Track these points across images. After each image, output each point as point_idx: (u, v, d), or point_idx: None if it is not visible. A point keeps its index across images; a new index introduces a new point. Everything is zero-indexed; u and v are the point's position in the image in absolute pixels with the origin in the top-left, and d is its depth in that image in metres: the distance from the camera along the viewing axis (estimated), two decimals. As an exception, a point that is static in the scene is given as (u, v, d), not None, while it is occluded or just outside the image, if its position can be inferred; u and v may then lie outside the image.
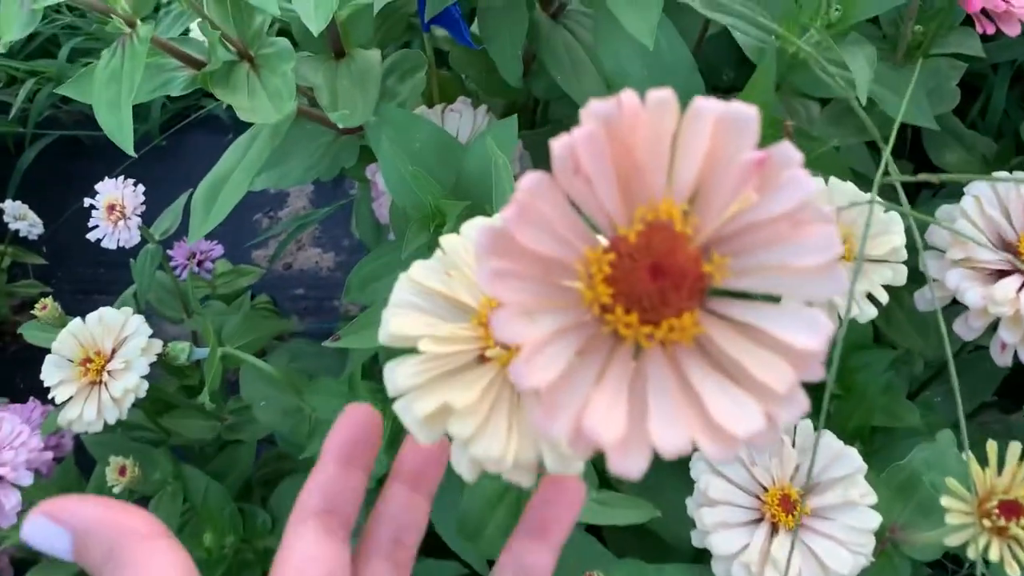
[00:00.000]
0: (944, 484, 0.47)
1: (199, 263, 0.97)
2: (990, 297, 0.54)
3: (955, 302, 0.59)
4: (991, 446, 0.42)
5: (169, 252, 0.93)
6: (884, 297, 0.51)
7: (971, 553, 0.42)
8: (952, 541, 0.42)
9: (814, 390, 0.62)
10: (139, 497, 0.77)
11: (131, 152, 0.54)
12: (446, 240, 0.31)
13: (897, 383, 0.61)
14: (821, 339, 0.20)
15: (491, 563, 0.64)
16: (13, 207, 1.04)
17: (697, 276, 0.21)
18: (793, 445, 0.52)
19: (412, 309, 0.31)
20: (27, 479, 0.61)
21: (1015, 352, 0.57)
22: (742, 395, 0.21)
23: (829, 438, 0.52)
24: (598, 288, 0.21)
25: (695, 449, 0.20)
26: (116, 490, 0.68)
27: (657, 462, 0.22)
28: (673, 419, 0.21)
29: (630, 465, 0.21)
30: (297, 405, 0.70)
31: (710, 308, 0.22)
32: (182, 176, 0.82)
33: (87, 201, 0.75)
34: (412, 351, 0.31)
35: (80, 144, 1.32)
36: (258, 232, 1.27)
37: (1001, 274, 0.56)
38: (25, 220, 1.05)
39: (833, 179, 0.53)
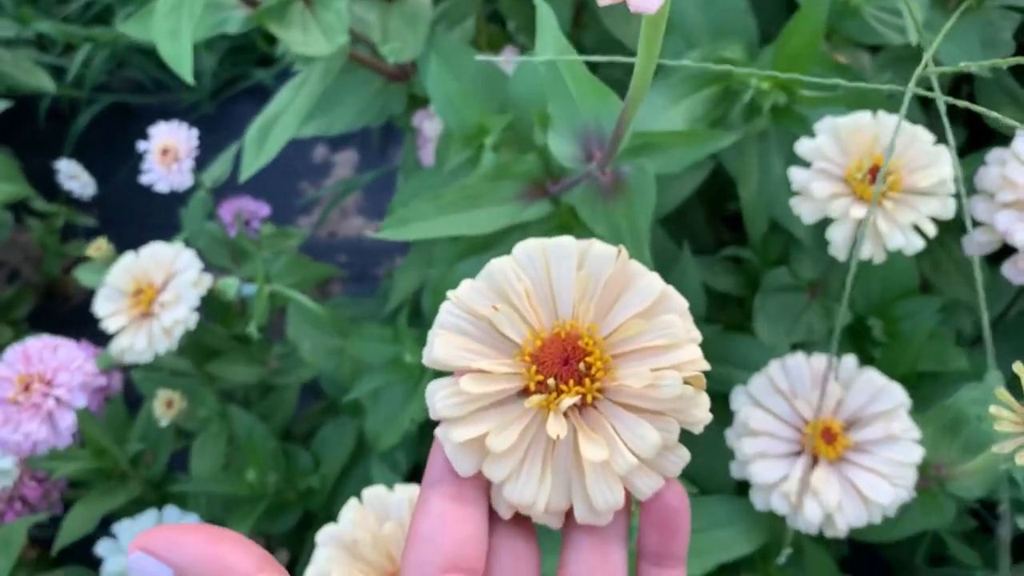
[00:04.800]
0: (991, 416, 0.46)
1: (246, 223, 0.98)
2: (1040, 238, 0.54)
3: (1004, 250, 0.58)
4: None
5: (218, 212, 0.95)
6: (931, 229, 0.50)
7: (1021, 460, 0.41)
8: (1002, 449, 0.42)
9: (859, 331, 0.61)
10: (185, 433, 0.79)
11: (189, 79, 0.55)
12: (495, 264, 0.31)
13: (944, 330, 0.61)
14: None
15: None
16: (67, 166, 1.07)
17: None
18: (836, 379, 0.52)
19: (457, 333, 0.31)
20: (81, 401, 0.62)
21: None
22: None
23: (872, 373, 0.51)
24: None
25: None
26: (163, 423, 0.70)
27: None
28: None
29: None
30: (341, 347, 0.71)
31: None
32: (231, 145, 0.83)
33: (141, 145, 0.77)
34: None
35: (131, 111, 1.35)
36: (304, 203, 1.29)
37: (1052, 218, 0.55)
38: (78, 180, 1.08)
39: (881, 112, 0.52)
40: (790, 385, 0.51)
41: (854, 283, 0.61)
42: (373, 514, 0.41)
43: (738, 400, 0.52)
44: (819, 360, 0.52)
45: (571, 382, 0.29)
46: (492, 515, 0.29)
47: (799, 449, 0.51)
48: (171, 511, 0.69)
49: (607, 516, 0.29)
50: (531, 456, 0.29)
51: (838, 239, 0.51)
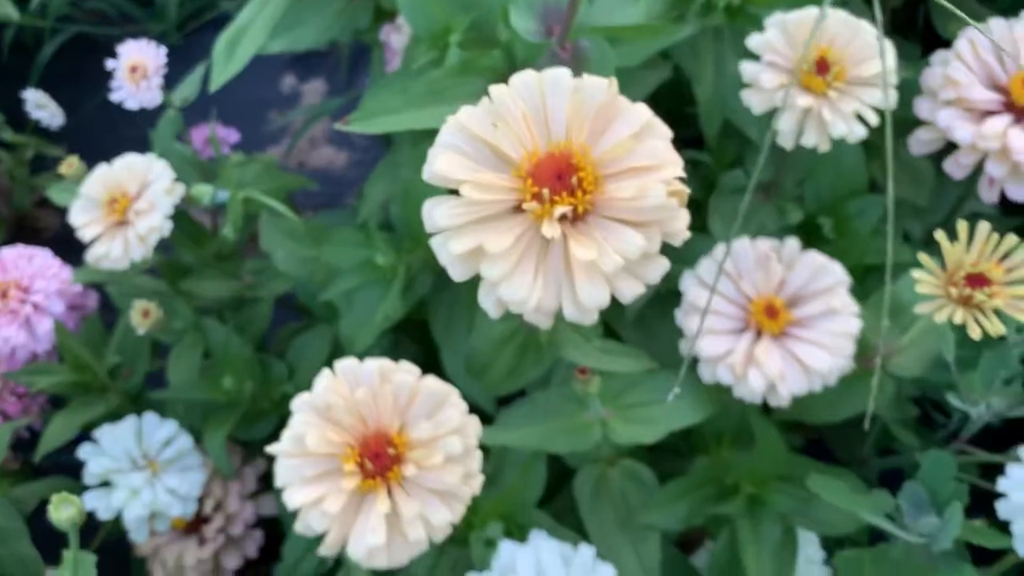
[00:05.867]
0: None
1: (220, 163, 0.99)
2: (979, 133, 0.57)
3: (947, 148, 0.61)
4: (962, 224, 0.45)
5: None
6: (873, 118, 0.53)
7: (939, 319, 0.44)
8: (922, 309, 0.45)
9: (810, 229, 0.63)
10: (161, 351, 0.81)
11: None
12: (495, 90, 0.33)
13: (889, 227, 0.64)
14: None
15: (498, 401, 0.67)
16: (35, 95, 1.06)
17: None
18: (780, 260, 0.55)
19: (456, 152, 0.34)
20: (58, 307, 0.64)
21: (1001, 190, 0.59)
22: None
23: (813, 254, 0.54)
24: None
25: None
26: (140, 332, 0.72)
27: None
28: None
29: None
30: (314, 255, 0.73)
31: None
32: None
33: (110, 64, 0.77)
34: (452, 192, 0.35)
35: (96, 43, 1.34)
36: (272, 133, 1.30)
37: (991, 115, 0.58)
38: (46, 109, 1.08)
39: (827, 7, 0.55)
40: (735, 267, 0.54)
41: (806, 184, 0.64)
42: (346, 382, 0.43)
43: (687, 282, 0.55)
44: (763, 243, 0.54)
45: (564, 194, 0.32)
46: None
47: (744, 326, 0.54)
48: (150, 418, 0.71)
49: (592, 315, 0.32)
50: (525, 259, 0.32)
51: (785, 127, 0.53)
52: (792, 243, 0.55)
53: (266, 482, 0.81)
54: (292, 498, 0.41)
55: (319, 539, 0.78)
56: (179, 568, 0.76)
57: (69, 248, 0.78)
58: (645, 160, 0.33)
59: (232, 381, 0.73)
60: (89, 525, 0.74)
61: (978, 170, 0.59)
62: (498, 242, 0.32)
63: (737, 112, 0.61)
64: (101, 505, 0.67)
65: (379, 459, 0.41)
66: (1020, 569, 0.59)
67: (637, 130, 0.33)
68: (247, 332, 0.80)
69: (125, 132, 1.10)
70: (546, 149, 0.34)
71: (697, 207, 0.67)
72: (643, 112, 0.34)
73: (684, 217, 0.34)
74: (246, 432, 0.76)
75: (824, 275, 0.54)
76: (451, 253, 0.33)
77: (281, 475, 0.42)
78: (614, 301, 0.67)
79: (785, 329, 0.54)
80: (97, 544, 0.77)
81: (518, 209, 0.34)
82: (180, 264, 0.84)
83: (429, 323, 0.70)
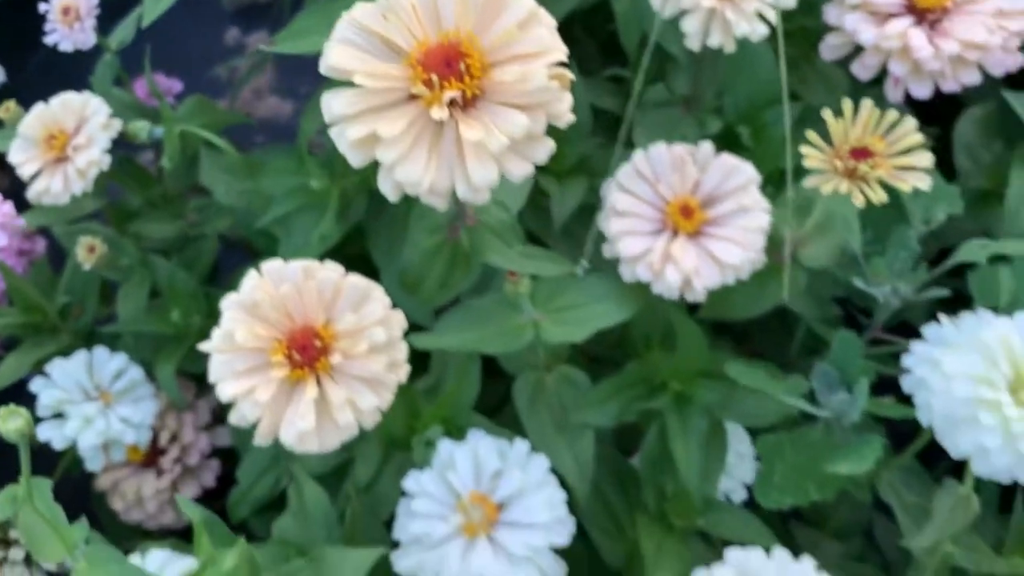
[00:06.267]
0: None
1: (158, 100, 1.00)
2: (882, 34, 0.59)
3: (856, 51, 0.64)
4: (846, 101, 0.48)
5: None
6: (772, 16, 0.55)
7: (825, 190, 0.47)
8: (810, 183, 0.48)
9: (729, 138, 0.67)
10: (111, 289, 0.83)
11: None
12: None
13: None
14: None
15: (437, 312, 0.69)
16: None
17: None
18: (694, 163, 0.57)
19: (351, 46, 0.37)
20: (2, 240, 0.65)
21: (905, 89, 0.62)
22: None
23: (726, 156, 0.57)
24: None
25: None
26: (86, 267, 0.73)
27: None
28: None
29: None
30: (254, 188, 0.74)
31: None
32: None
33: (42, 7, 0.78)
34: (349, 84, 0.37)
35: None
36: (217, 86, 1.30)
37: (893, 17, 0.61)
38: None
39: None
40: (653, 171, 0.57)
41: (724, 96, 0.66)
42: (271, 281, 0.45)
43: (607, 188, 0.57)
44: (679, 147, 0.57)
45: (452, 79, 0.35)
46: None
47: (662, 227, 0.56)
48: (100, 351, 0.73)
49: (484, 194, 0.35)
50: (418, 143, 0.35)
51: (691, 29, 0.56)
52: (706, 146, 0.57)
53: (220, 415, 0.83)
54: (225, 390, 0.44)
55: (274, 462, 0.80)
56: (138, 499, 0.78)
57: (22, 207, 0.79)
58: (530, 47, 0.36)
59: (179, 314, 0.75)
60: (45, 460, 0.76)
61: (885, 73, 0.62)
62: (391, 127, 0.34)
63: (652, 23, 0.63)
64: (55, 435, 0.68)
65: (306, 351, 0.43)
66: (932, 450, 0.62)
67: (522, 19, 0.35)
68: (194, 268, 0.82)
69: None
70: (436, 39, 0.36)
71: (618, 121, 0.69)
72: (528, 2, 0.36)
73: (567, 100, 0.36)
74: (197, 365, 0.78)
75: (736, 175, 0.56)
76: (348, 140, 0.36)
77: (214, 370, 0.44)
78: (543, 214, 0.69)
79: (700, 228, 0.56)
80: (56, 479, 0.79)
81: (412, 98, 0.36)
82: (126, 208, 0.86)
83: (369, 251, 0.72)
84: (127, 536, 0.81)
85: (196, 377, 0.83)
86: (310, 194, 0.66)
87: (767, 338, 0.75)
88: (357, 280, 0.45)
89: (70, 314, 0.79)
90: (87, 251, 0.73)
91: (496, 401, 0.69)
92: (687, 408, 0.61)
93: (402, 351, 0.46)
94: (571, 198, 0.64)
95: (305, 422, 0.42)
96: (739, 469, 0.65)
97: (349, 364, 0.43)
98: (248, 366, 0.44)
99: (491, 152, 0.34)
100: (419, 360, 0.65)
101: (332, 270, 0.45)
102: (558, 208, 0.64)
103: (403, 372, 0.45)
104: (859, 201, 0.47)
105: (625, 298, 0.57)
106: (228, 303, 0.45)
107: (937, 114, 0.75)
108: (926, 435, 0.58)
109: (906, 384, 0.51)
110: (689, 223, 0.55)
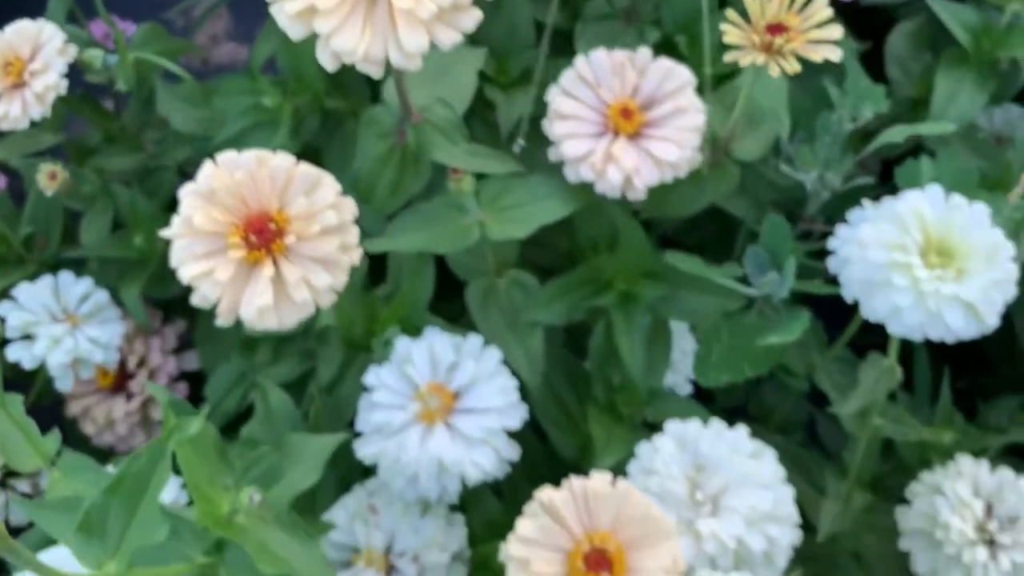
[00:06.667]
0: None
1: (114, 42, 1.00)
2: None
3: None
4: None
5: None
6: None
7: (743, 63, 0.51)
8: (729, 58, 0.51)
9: (668, 48, 0.70)
10: (73, 215, 0.84)
11: None
12: None
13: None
14: None
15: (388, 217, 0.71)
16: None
17: None
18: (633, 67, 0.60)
19: None
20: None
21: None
22: None
23: (663, 60, 0.60)
24: None
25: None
26: (48, 194, 0.74)
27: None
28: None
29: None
30: (209, 115, 0.76)
31: None
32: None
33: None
34: None
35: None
36: (171, 31, 1.30)
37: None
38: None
39: None
40: (594, 75, 0.59)
41: (662, 7, 0.69)
42: (226, 170, 0.48)
43: (551, 93, 0.60)
44: (619, 53, 0.60)
45: None
46: None
47: (603, 130, 0.59)
48: (66, 275, 0.74)
49: (416, 60, 0.38)
50: (353, 14, 0.38)
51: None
52: (644, 51, 0.60)
53: (187, 340, 0.85)
54: (185, 272, 0.46)
55: (241, 378, 0.82)
56: (109, 422, 0.80)
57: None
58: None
59: (142, 239, 0.76)
60: (17, 390, 0.78)
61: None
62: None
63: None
64: (25, 355, 0.70)
65: (262, 233, 0.46)
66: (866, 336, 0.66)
67: None
68: (154, 198, 0.83)
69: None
70: None
71: (566, 35, 0.71)
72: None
73: None
74: (161, 290, 0.80)
75: (673, 77, 0.59)
76: (287, 13, 0.38)
77: (175, 255, 0.47)
78: (491, 128, 0.71)
79: (639, 129, 0.59)
80: (28, 407, 0.81)
81: None
82: (85, 144, 0.87)
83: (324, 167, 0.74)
84: (100, 460, 0.83)
85: (162, 304, 0.85)
86: (263, 111, 0.68)
87: (711, 251, 0.79)
88: (308, 168, 0.47)
89: (35, 245, 0.81)
90: (48, 178, 0.74)
91: (454, 315, 0.72)
92: (631, 306, 0.64)
93: (353, 235, 0.48)
94: (517, 108, 0.67)
95: (263, 299, 0.45)
96: (683, 365, 0.69)
97: (303, 245, 0.46)
98: (207, 249, 0.46)
99: (421, 19, 0.37)
100: (377, 269, 0.68)
101: (284, 159, 0.48)
102: (504, 118, 0.67)
103: (356, 255, 0.48)
104: (774, 72, 0.50)
105: (568, 197, 0.59)
106: (186, 191, 0.47)
107: (871, 28, 0.79)
108: (855, 323, 0.62)
109: (832, 265, 0.55)
110: (629, 124, 0.58)
